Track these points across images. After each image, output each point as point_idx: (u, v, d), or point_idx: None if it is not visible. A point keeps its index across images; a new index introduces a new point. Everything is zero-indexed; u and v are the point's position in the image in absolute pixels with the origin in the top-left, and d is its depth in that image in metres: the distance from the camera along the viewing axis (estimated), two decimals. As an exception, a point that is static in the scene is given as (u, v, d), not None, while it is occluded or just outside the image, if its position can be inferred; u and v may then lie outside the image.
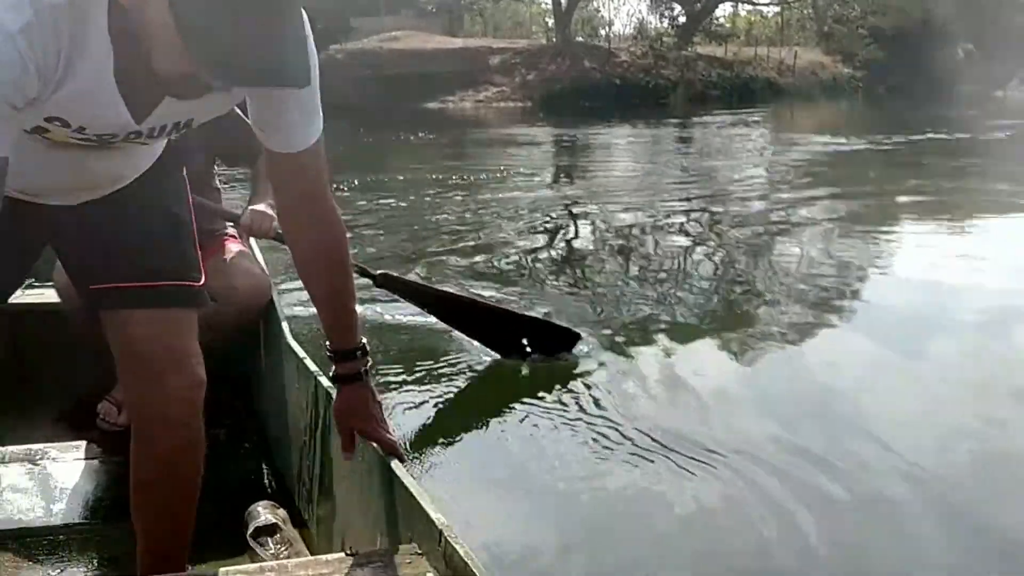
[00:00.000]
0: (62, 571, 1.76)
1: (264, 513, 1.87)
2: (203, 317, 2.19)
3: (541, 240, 6.76)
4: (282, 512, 1.90)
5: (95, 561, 1.80)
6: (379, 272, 3.02)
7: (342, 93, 23.27)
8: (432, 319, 3.46)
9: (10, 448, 2.24)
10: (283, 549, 1.78)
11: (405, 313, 3.79)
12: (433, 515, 1.29)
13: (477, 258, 5.80)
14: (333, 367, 1.44)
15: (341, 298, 1.41)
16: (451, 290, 3.76)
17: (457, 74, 27.76)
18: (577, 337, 3.49)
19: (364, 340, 1.44)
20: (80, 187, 1.36)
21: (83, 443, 2.26)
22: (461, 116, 23.08)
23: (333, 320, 1.42)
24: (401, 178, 10.20)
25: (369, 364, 1.44)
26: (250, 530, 1.84)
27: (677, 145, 16.03)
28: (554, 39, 32.04)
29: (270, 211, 2.31)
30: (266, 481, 2.15)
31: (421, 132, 16.93)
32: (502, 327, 3.34)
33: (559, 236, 7.07)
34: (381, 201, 8.19)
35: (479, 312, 3.40)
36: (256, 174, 2.47)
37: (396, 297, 3.34)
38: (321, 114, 1.31)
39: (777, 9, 39.00)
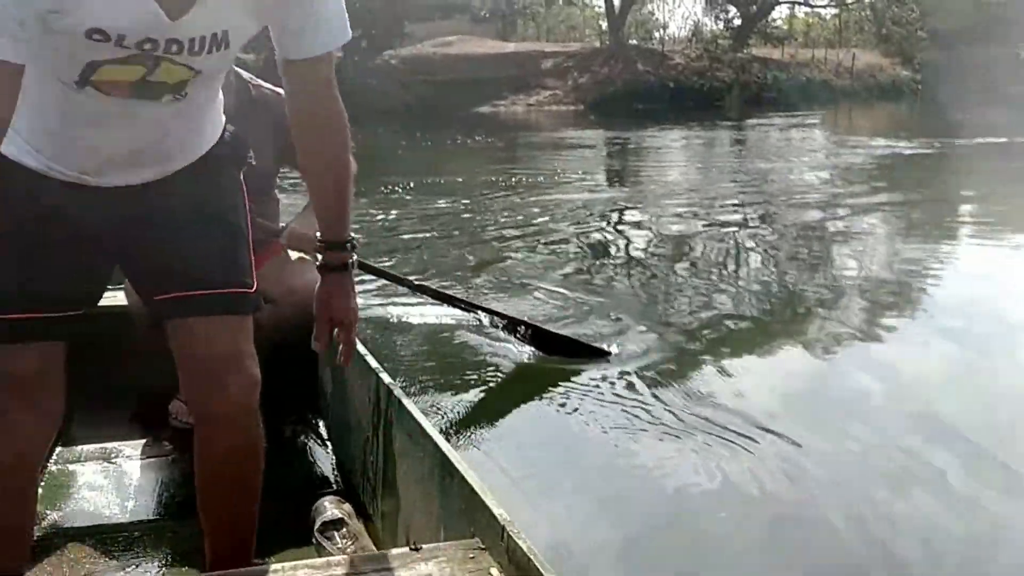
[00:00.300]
0: (136, 566, 1.81)
1: (330, 507, 1.90)
2: (263, 318, 2.25)
3: (594, 240, 6.76)
4: (347, 506, 1.92)
5: (167, 556, 1.84)
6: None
7: (395, 98, 23.56)
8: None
9: (86, 447, 2.31)
10: (349, 543, 1.81)
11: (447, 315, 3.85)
12: (495, 510, 1.31)
13: (530, 258, 5.88)
14: (321, 257, 1.50)
15: (338, 191, 1.47)
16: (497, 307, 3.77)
17: (509, 78, 27.79)
18: (607, 354, 3.53)
19: (354, 236, 1.50)
20: (135, 155, 1.37)
21: (156, 441, 2.32)
22: (513, 120, 23.11)
23: (328, 212, 1.49)
24: (459, 180, 10.27)
25: (355, 259, 1.50)
26: (317, 524, 1.87)
27: (732, 147, 15.85)
28: (607, 42, 31.90)
29: (311, 231, 2.35)
30: (331, 476, 2.18)
31: (475, 136, 17.00)
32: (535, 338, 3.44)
33: (612, 237, 7.04)
34: (436, 203, 8.27)
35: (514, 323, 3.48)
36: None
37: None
38: (347, 20, 1.35)
39: (835, 11, 38.31)
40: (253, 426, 1.51)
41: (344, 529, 1.86)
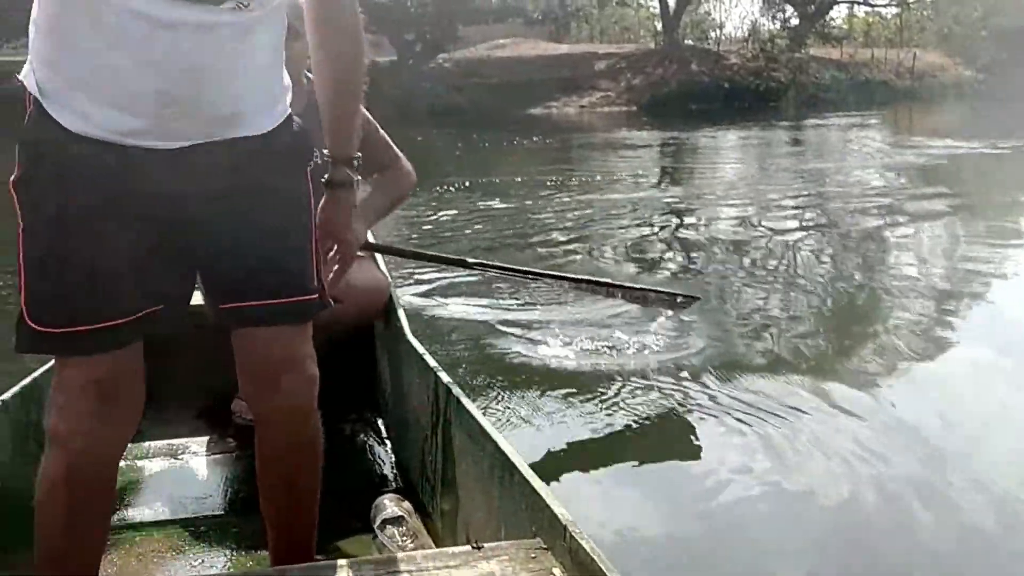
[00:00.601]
0: (203, 560, 1.84)
1: (390, 505, 1.91)
2: (326, 315, 2.28)
3: (647, 239, 6.75)
4: (407, 504, 1.94)
5: (232, 550, 1.87)
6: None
7: (449, 100, 23.71)
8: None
9: (153, 443, 2.36)
10: (408, 541, 1.82)
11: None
12: (557, 510, 1.30)
13: (583, 254, 5.93)
14: (327, 174, 1.52)
15: (345, 96, 1.51)
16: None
17: (562, 80, 27.76)
18: (696, 299, 3.31)
19: (360, 155, 1.52)
20: (186, 97, 1.28)
21: (220, 438, 2.36)
22: (565, 121, 23.09)
23: (338, 126, 1.52)
24: (517, 180, 10.35)
25: (359, 179, 1.53)
26: (377, 522, 1.88)
27: (789, 148, 15.62)
28: (661, 43, 31.66)
29: (365, 218, 2.37)
30: (390, 474, 2.19)
31: (530, 137, 17.05)
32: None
33: (667, 237, 7.02)
34: (491, 201, 8.37)
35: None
36: (381, 178, 2.51)
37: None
38: None
39: (896, 10, 37.43)
40: (311, 425, 1.52)
41: (404, 527, 1.87)
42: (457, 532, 1.76)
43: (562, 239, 6.64)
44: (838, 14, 37.25)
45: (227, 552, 1.87)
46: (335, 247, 1.56)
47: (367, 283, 2.32)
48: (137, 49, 1.23)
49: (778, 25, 34.59)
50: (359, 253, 2.52)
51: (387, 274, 2.45)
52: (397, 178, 2.50)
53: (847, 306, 4.60)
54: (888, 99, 27.64)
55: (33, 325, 1.30)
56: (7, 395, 1.83)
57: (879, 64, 31.86)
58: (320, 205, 1.51)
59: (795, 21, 33.80)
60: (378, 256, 2.66)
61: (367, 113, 2.44)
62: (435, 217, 7.39)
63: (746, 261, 5.79)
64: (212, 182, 1.35)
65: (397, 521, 1.88)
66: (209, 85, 1.29)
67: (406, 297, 3.53)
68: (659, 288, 3.40)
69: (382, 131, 2.50)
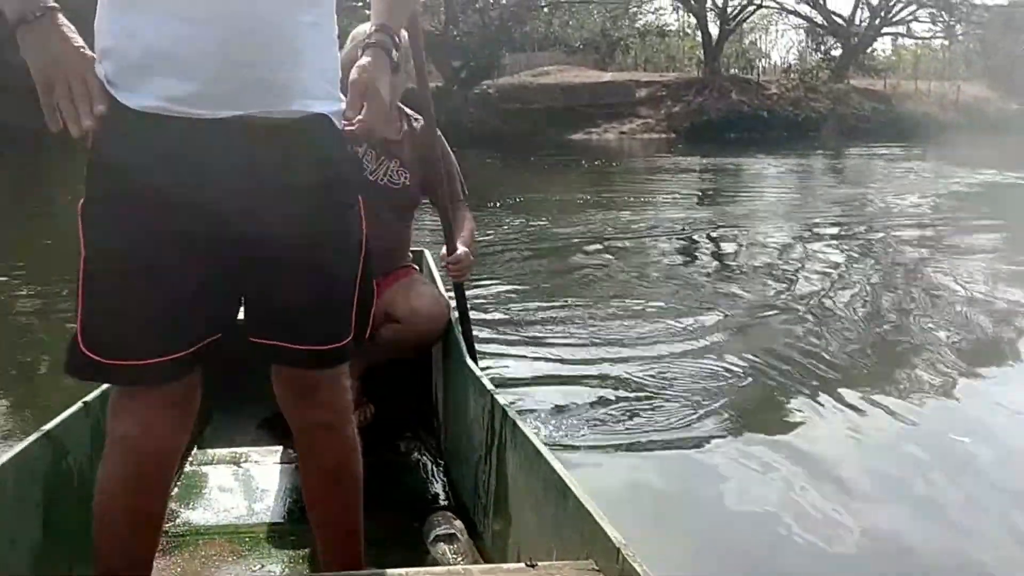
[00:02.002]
0: (262, 566, 1.88)
1: (443, 523, 1.93)
2: (390, 336, 2.34)
3: (678, 260, 6.81)
4: (459, 523, 1.95)
5: (288, 558, 1.90)
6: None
7: (492, 126, 23.90)
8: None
9: (218, 450, 2.42)
10: (460, 558, 1.83)
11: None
12: (611, 532, 1.29)
13: (614, 271, 6.09)
14: (368, 38, 1.47)
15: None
16: None
17: (603, 107, 27.86)
18: None
19: (396, 35, 1.48)
20: (245, 57, 1.26)
21: (281, 448, 2.41)
22: (605, 147, 23.18)
23: (391, 6, 1.50)
24: (556, 199, 10.50)
25: (399, 56, 1.48)
26: (430, 538, 1.90)
27: (827, 175, 15.53)
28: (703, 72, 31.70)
29: (470, 257, 2.45)
30: (442, 492, 2.21)
31: (569, 161, 17.12)
32: None
33: (696, 257, 7.07)
34: (529, 220, 8.48)
35: None
36: (454, 213, 2.58)
37: None
38: None
39: (944, 41, 37.05)
40: (350, 431, 1.52)
41: (456, 544, 1.88)
42: (508, 552, 1.76)
43: (597, 254, 6.80)
44: (882, 46, 36.99)
45: (284, 559, 1.90)
46: (365, 103, 1.45)
47: (430, 308, 2.36)
48: (198, 5, 1.22)
49: (819, 56, 34.46)
50: (422, 276, 2.59)
51: (447, 299, 2.51)
52: (469, 217, 2.57)
53: (884, 333, 4.56)
54: (931, 131, 27.22)
55: (89, 353, 1.29)
56: (89, 397, 1.88)
57: (923, 96, 31.50)
58: (356, 64, 1.44)
59: (838, 52, 33.60)
60: (439, 282, 2.72)
61: (444, 142, 2.52)
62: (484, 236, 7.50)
63: (776, 288, 5.77)
64: (268, 171, 1.31)
65: (449, 538, 1.89)
66: (268, 46, 1.27)
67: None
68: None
69: (456, 163, 2.57)
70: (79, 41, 1.24)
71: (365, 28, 1.50)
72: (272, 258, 1.35)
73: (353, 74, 1.41)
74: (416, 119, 2.52)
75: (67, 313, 4.89)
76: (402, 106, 2.51)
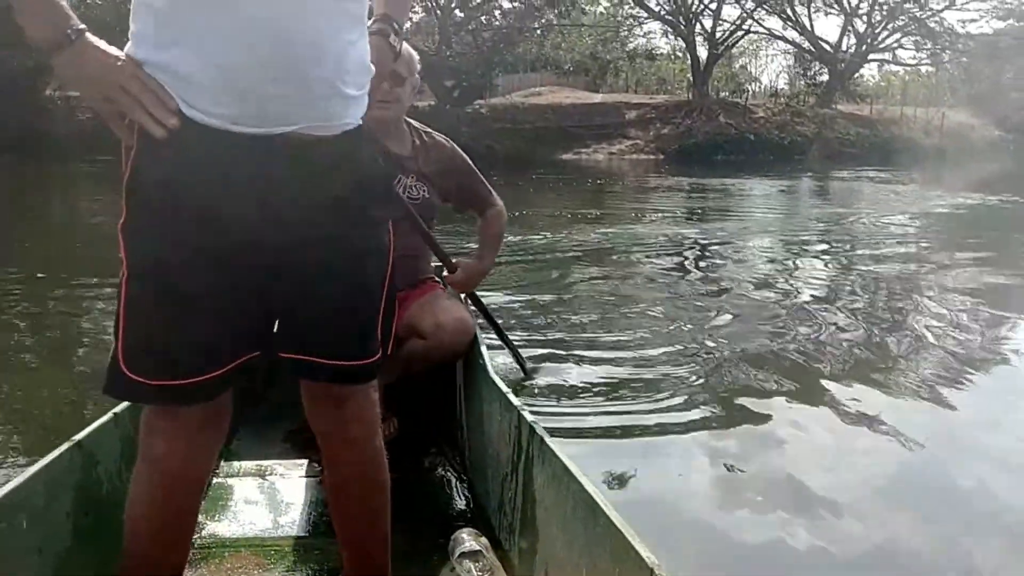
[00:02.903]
0: (286, 579, 1.86)
1: (468, 539, 1.91)
2: (412, 352, 2.34)
3: (666, 274, 6.87)
4: (484, 540, 1.93)
5: (314, 571, 1.89)
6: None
7: (484, 145, 23.94)
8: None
9: (243, 463, 2.41)
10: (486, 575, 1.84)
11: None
12: (643, 552, 1.27)
13: (603, 284, 6.22)
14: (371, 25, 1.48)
15: None
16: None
17: (593, 127, 28.04)
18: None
19: (400, 27, 1.51)
20: (276, 61, 1.23)
21: (306, 462, 2.39)
22: (594, 166, 23.38)
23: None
24: (545, 212, 10.64)
25: (401, 44, 1.52)
26: (455, 554, 1.88)
27: (811, 197, 15.73)
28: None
29: (478, 271, 2.55)
30: (468, 509, 2.19)
31: (558, 179, 17.24)
32: None
33: (684, 271, 7.13)
34: (525, 235, 8.56)
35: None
36: (484, 226, 2.65)
37: None
38: None
39: (932, 69, 37.57)
40: (377, 444, 1.52)
41: (481, 562, 1.86)
42: (535, 570, 1.75)
43: (586, 265, 6.98)
44: (872, 72, 37.46)
45: (309, 572, 1.89)
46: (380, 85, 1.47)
47: (456, 323, 2.37)
48: (238, 16, 1.20)
49: (803, 83, 34.85)
50: (448, 292, 2.60)
51: (472, 314, 2.51)
52: (497, 216, 2.66)
53: (876, 343, 4.61)
54: (915, 156, 27.55)
55: (130, 374, 1.28)
56: (119, 408, 1.88)
57: (908, 122, 31.87)
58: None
59: (825, 77, 33.99)
60: (461, 295, 2.73)
61: (462, 152, 2.56)
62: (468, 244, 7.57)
63: (770, 295, 5.84)
64: (305, 183, 1.30)
65: (474, 555, 1.87)
66: (313, 64, 1.26)
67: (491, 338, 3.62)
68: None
69: (477, 170, 2.62)
70: (116, 50, 1.24)
71: None
72: (307, 273, 1.35)
73: (374, 61, 1.42)
74: (427, 132, 2.55)
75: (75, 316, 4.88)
76: (410, 121, 2.53)
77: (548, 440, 1.78)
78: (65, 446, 1.67)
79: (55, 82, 22.72)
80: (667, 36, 35.57)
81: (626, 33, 35.37)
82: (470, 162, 2.61)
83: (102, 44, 1.23)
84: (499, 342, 3.12)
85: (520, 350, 3.52)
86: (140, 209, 1.28)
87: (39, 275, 6.20)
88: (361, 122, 1.38)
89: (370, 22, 1.47)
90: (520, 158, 22.57)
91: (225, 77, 1.22)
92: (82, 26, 1.21)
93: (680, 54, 36.13)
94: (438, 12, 27.43)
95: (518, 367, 3.49)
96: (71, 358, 4.27)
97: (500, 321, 3.13)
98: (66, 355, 4.34)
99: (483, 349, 2.36)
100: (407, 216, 2.34)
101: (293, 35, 1.24)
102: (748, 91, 35.24)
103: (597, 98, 31.24)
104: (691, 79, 33.75)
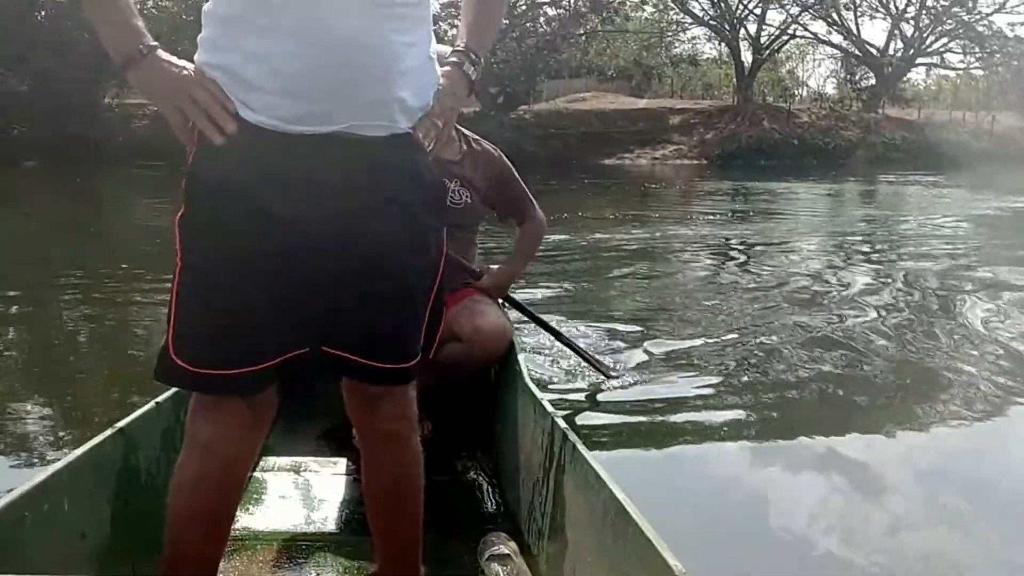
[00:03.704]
0: (317, 574, 1.86)
1: (498, 543, 1.89)
2: (450, 356, 2.33)
3: (706, 273, 6.86)
4: (513, 544, 1.91)
5: (344, 568, 1.88)
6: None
7: (528, 151, 23.98)
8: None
9: (278, 459, 2.41)
10: (514, 579, 1.82)
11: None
12: (672, 561, 1.25)
13: (644, 284, 6.26)
14: (451, 56, 1.47)
15: (494, 11, 1.54)
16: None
17: (637, 132, 27.90)
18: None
19: (478, 58, 1.47)
20: (329, 64, 1.26)
21: (341, 460, 2.39)
22: (637, 171, 23.28)
23: (472, 23, 1.50)
24: (583, 215, 10.65)
25: (476, 75, 1.47)
26: (484, 557, 1.86)
27: (856, 199, 15.50)
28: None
29: (506, 277, 2.53)
30: (498, 513, 2.17)
31: (602, 184, 17.20)
32: None
33: (723, 273, 7.07)
34: (565, 235, 8.61)
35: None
36: (520, 236, 2.65)
37: None
38: None
39: (981, 72, 36.66)
40: (414, 442, 1.52)
41: (510, 566, 1.84)
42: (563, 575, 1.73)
43: (629, 265, 6.95)
44: (920, 76, 36.70)
45: (339, 568, 1.89)
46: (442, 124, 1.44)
47: (494, 328, 2.37)
48: (292, 19, 1.25)
49: (850, 87, 34.27)
50: (486, 297, 2.59)
51: (510, 319, 2.51)
52: (535, 228, 2.66)
53: (904, 366, 4.43)
54: (963, 160, 26.85)
55: (178, 361, 1.31)
56: (161, 397, 1.89)
57: (957, 126, 31.14)
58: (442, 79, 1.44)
59: (871, 81, 33.40)
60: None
61: (508, 162, 2.56)
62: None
63: (824, 302, 5.71)
64: (357, 184, 1.32)
65: (503, 559, 1.85)
66: (366, 65, 1.29)
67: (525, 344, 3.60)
68: (595, 356, 3.55)
69: (521, 181, 2.61)
70: (184, 62, 1.31)
71: (441, 49, 1.50)
72: (354, 273, 1.36)
73: (435, 97, 1.41)
74: (475, 139, 2.54)
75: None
76: (460, 127, 2.52)
77: (580, 447, 1.76)
78: (108, 432, 1.69)
79: (112, 91, 23.38)
80: (712, 41, 35.31)
81: (671, 38, 35.14)
82: (515, 172, 2.60)
83: (171, 57, 1.30)
84: (539, 346, 3.09)
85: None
86: (196, 205, 1.32)
87: (103, 270, 6.42)
88: (411, 130, 1.38)
89: (449, 52, 1.49)
90: (564, 163, 22.58)
91: (277, 78, 1.26)
92: (154, 43, 1.29)
93: (726, 59, 35.77)
94: (483, 20, 27.53)
95: (595, 369, 3.44)
96: (127, 350, 4.37)
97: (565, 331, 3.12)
98: (122, 346, 4.44)
99: (519, 355, 2.35)
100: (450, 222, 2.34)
101: (343, 36, 1.27)
102: (796, 96, 34.72)
103: (641, 103, 31.09)
104: (736, 84, 33.41)
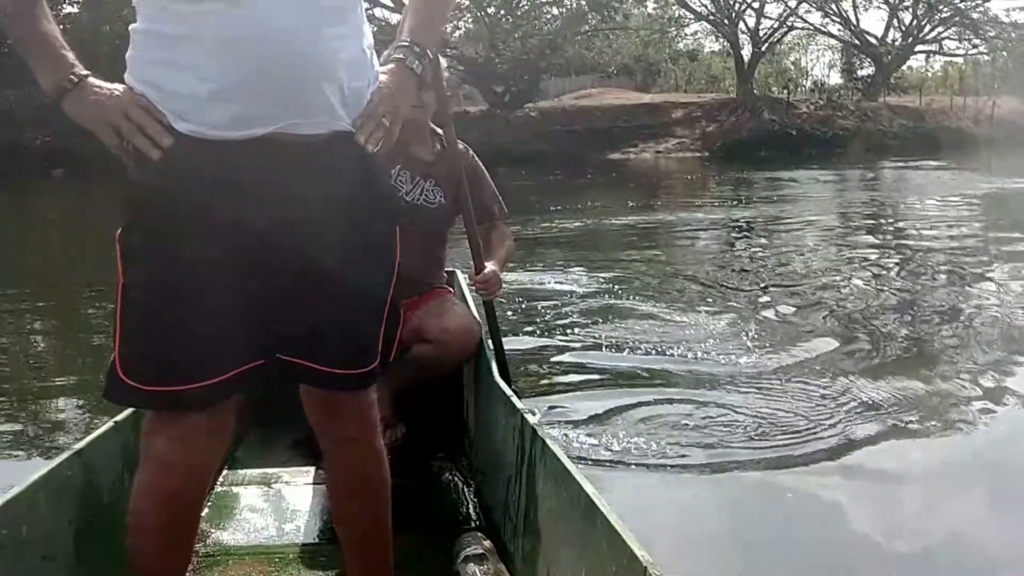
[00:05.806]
0: (291, 586, 1.79)
1: (472, 543, 1.83)
2: (419, 357, 2.25)
3: (712, 259, 6.91)
4: (488, 543, 1.85)
5: (318, 578, 1.81)
6: None
7: (535, 147, 23.94)
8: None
9: (248, 471, 2.33)
10: (489, 580, 1.74)
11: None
12: (638, 551, 1.24)
13: (644, 267, 6.42)
14: (391, 51, 1.38)
15: (439, 6, 1.47)
16: None
17: (640, 127, 27.84)
18: None
19: (423, 51, 1.38)
20: (257, 64, 1.20)
21: (312, 469, 2.31)
22: (641, 164, 23.39)
23: (425, 23, 1.41)
24: (595, 205, 10.89)
25: (423, 69, 1.38)
26: (459, 558, 1.80)
27: (852, 184, 15.57)
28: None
29: (497, 276, 2.37)
30: (473, 513, 2.09)
31: (607, 176, 17.27)
32: None
33: (730, 257, 7.10)
34: (571, 223, 8.83)
35: None
36: (487, 235, 2.47)
37: None
38: None
39: (986, 57, 36.21)
40: (376, 444, 1.46)
41: (485, 565, 1.79)
42: (538, 572, 1.67)
43: (637, 247, 7.18)
44: (920, 63, 36.37)
45: None
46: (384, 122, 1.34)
47: (460, 327, 2.30)
48: (218, 26, 1.19)
49: (848, 76, 34.02)
50: (454, 298, 2.50)
51: (479, 319, 2.42)
52: (501, 237, 2.49)
53: (914, 340, 4.38)
54: (964, 145, 26.49)
55: (127, 380, 1.25)
56: (120, 417, 1.84)
57: (957, 112, 30.79)
58: (384, 76, 1.35)
59: (870, 70, 33.13)
60: (471, 302, 2.63)
61: (479, 161, 2.45)
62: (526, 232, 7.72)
63: (832, 292, 5.63)
64: (302, 188, 1.25)
65: (479, 559, 1.80)
66: (297, 62, 1.23)
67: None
68: None
69: (492, 184, 2.50)
70: (114, 85, 1.27)
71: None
72: (301, 278, 1.29)
73: (375, 94, 1.33)
74: (452, 140, 2.44)
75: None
76: (435, 127, 2.43)
77: (550, 443, 1.71)
78: (66, 455, 1.63)
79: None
80: (714, 35, 35.06)
81: (673, 34, 34.92)
82: (484, 173, 2.49)
83: (102, 83, 1.26)
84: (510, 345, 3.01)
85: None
86: (136, 220, 1.27)
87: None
88: (354, 129, 1.30)
89: (389, 49, 1.41)
90: (571, 159, 22.54)
91: (205, 85, 1.21)
92: (84, 71, 1.25)
93: (730, 52, 35.49)
94: (487, 20, 27.52)
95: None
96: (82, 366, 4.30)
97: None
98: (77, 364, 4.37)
99: (489, 353, 2.28)
100: (416, 222, 2.25)
101: (270, 33, 1.21)
102: (800, 87, 34.42)
103: (645, 98, 30.96)
104: (736, 77, 33.18)
